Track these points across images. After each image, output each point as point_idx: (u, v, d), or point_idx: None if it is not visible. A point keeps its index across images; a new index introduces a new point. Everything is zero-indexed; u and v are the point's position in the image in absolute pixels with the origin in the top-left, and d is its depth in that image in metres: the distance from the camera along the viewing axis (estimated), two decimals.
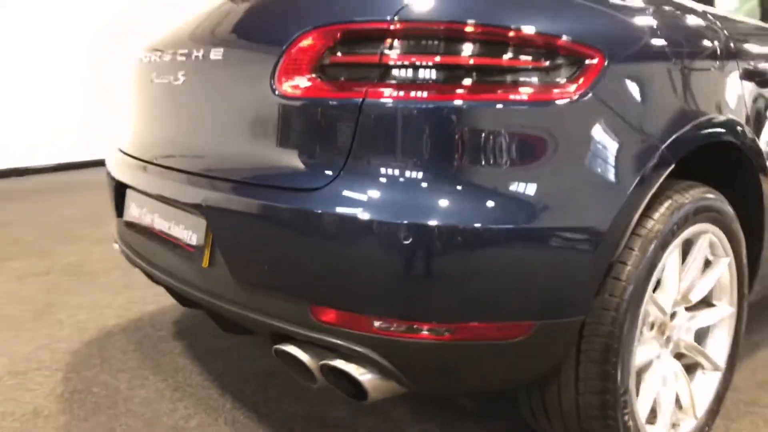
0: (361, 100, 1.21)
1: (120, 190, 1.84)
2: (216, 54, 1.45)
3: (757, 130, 1.70)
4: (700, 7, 1.62)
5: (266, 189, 1.32)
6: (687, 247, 1.59)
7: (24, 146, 5.65)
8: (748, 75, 1.65)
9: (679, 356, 1.69)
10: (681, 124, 1.38)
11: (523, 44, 1.21)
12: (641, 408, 1.51)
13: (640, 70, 1.34)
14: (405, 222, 1.17)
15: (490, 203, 1.20)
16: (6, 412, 1.85)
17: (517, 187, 1.21)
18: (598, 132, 1.27)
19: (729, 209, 1.62)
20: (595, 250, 1.26)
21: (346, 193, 1.22)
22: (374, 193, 1.20)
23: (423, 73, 1.19)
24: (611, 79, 1.28)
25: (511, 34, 1.20)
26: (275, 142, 1.34)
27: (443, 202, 1.19)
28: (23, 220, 4.21)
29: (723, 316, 1.75)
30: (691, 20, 1.54)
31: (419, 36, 1.19)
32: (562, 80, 1.23)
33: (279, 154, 1.32)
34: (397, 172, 1.20)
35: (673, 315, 1.64)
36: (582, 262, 1.26)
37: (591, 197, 1.26)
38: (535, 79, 1.22)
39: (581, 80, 1.24)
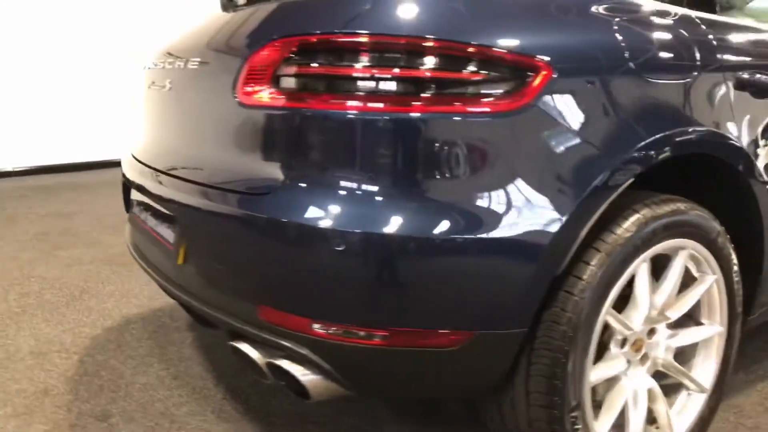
0: (305, 110, 1.25)
1: (127, 187, 1.97)
2: (193, 63, 1.54)
3: (755, 145, 1.62)
4: (684, 15, 1.55)
5: (224, 192, 1.38)
6: (666, 262, 1.54)
7: (97, 141, 5.98)
8: (741, 85, 1.57)
9: (661, 375, 1.64)
10: (641, 138, 1.34)
11: (469, 57, 1.21)
12: (601, 425, 1.48)
13: (593, 83, 1.31)
14: (338, 229, 1.20)
15: (426, 212, 1.22)
16: (20, 389, 2.01)
17: (454, 197, 1.22)
18: (543, 144, 1.26)
19: (713, 225, 1.55)
20: (536, 262, 1.25)
21: (288, 199, 1.27)
22: (313, 201, 1.24)
23: (365, 85, 1.22)
24: (560, 91, 1.26)
25: (458, 47, 1.21)
26: (235, 148, 1.40)
27: (378, 211, 1.21)
28: (85, 212, 4.49)
29: (710, 335, 1.68)
30: (664, 30, 1.48)
31: (363, 49, 1.22)
32: (506, 92, 1.23)
33: (238, 159, 1.39)
34: (336, 181, 1.24)
35: (651, 332, 1.59)
36: (521, 274, 1.26)
37: (531, 210, 1.25)
38: (479, 91, 1.22)
39: (526, 92, 1.23)
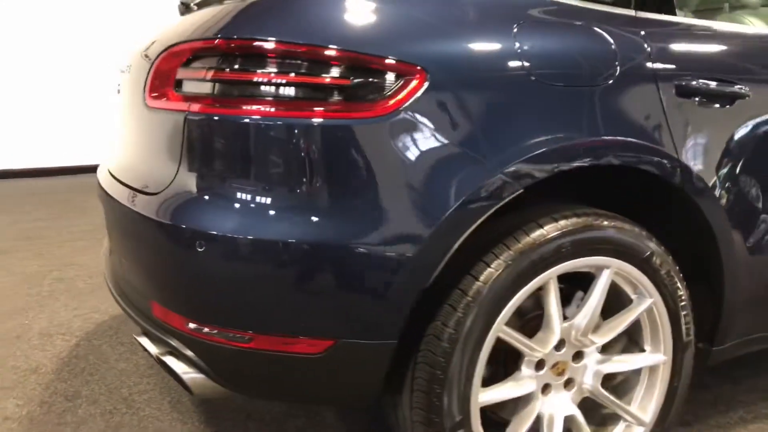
0: (186, 113, 1.29)
1: None
2: (129, 68, 1.63)
3: (702, 161, 1.47)
4: (603, 15, 1.43)
5: (133, 192, 1.45)
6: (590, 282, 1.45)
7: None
8: (683, 93, 1.43)
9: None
10: (529, 149, 1.26)
11: (337, 62, 1.20)
12: None
13: (472, 91, 1.25)
14: (199, 230, 1.23)
15: (286, 217, 1.22)
16: (15, 366, 2.21)
17: (316, 202, 1.21)
18: (414, 152, 1.22)
19: (643, 244, 1.43)
20: (399, 274, 1.22)
21: (169, 200, 1.31)
22: (185, 202, 1.28)
23: (233, 89, 1.24)
24: (436, 98, 1.22)
25: (326, 52, 1.20)
26: (144, 149, 1.47)
27: (239, 214, 1.23)
28: None
29: (651, 364, 1.55)
30: (565, 33, 1.38)
31: (234, 54, 1.24)
32: (379, 98, 1.20)
33: (145, 160, 1.46)
34: (205, 184, 1.27)
35: (578, 355, 1.50)
36: (384, 284, 1.23)
37: (396, 219, 1.21)
38: (348, 97, 1.20)
39: (398, 99, 1.20)
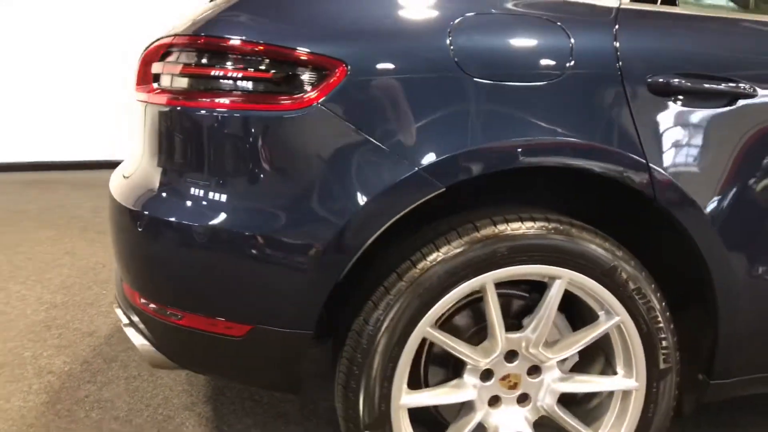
0: (145, 105, 1.40)
1: None
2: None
3: (679, 167, 1.32)
4: (581, 10, 1.32)
5: (123, 177, 1.59)
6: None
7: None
8: (658, 91, 1.29)
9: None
10: (453, 147, 1.21)
11: (260, 56, 1.24)
12: None
13: (399, 86, 1.21)
14: (139, 211, 1.33)
15: (203, 203, 1.27)
16: (78, 328, 2.48)
17: (234, 191, 1.26)
18: (330, 145, 1.22)
19: (602, 255, 1.31)
20: (310, 266, 1.23)
21: (133, 182, 1.43)
22: (138, 185, 1.39)
23: (176, 82, 1.32)
24: (357, 93, 1.21)
25: (248, 47, 1.23)
26: (136, 138, 1.61)
27: (166, 197, 1.31)
28: None
29: (618, 389, 1.42)
30: (518, 31, 1.29)
31: (181, 50, 1.32)
32: (296, 91, 1.22)
33: (134, 147, 1.59)
34: (148, 168, 1.37)
35: (535, 370, 1.41)
36: (296, 276, 1.24)
37: (309, 212, 1.22)
38: (269, 90, 1.23)
39: (317, 92, 1.22)
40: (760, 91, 1.32)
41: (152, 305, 1.38)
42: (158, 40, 1.45)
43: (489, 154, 1.23)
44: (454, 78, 1.22)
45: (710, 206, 1.33)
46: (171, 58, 1.33)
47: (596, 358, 1.51)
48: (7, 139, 5.82)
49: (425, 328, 1.29)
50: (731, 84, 1.31)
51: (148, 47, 1.50)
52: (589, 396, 1.54)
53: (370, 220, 1.22)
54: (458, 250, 1.27)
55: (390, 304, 1.27)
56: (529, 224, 1.29)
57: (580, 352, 1.51)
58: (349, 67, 1.21)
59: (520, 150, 1.23)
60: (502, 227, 1.28)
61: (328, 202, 1.23)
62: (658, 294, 1.37)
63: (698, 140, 1.32)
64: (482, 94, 1.23)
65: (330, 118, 1.21)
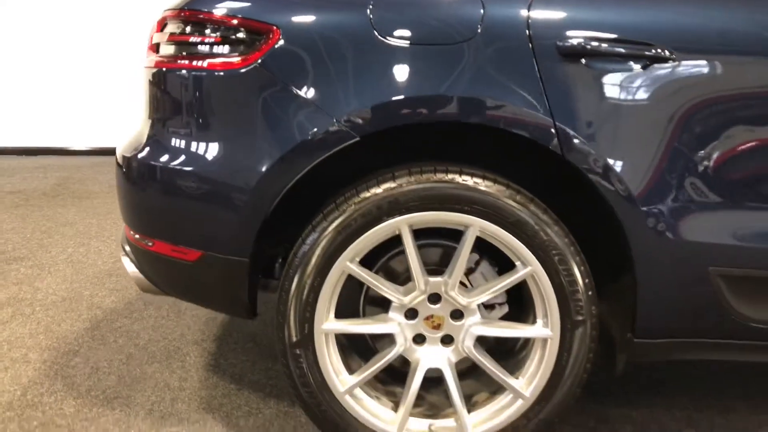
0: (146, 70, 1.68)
1: None
2: None
3: (586, 123, 1.39)
4: None
5: None
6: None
7: None
8: (565, 53, 1.36)
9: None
10: (367, 100, 1.37)
11: (209, 23, 1.47)
12: (341, 371, 1.55)
13: (324, 47, 1.39)
14: (123, 155, 1.62)
15: (173, 147, 1.52)
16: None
17: (183, 135, 1.51)
18: (265, 99, 1.43)
19: (511, 207, 1.41)
20: (242, 201, 1.44)
21: (132, 135, 1.71)
22: (134, 136, 1.67)
23: (163, 49, 1.59)
24: (286, 53, 1.41)
25: (200, 15, 1.47)
26: None
27: (152, 145, 1.57)
28: None
29: (531, 336, 1.51)
30: None
31: (169, 21, 1.58)
32: (239, 52, 1.44)
33: None
34: (143, 122, 1.65)
35: (458, 314, 1.54)
36: (232, 208, 1.46)
37: (243, 154, 1.44)
38: (217, 52, 1.46)
39: (254, 53, 1.43)
40: (675, 56, 1.36)
41: (136, 235, 1.66)
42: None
43: (396, 108, 1.38)
44: (370, 39, 1.39)
45: (620, 165, 1.39)
46: (166, 29, 1.60)
47: (530, 312, 1.59)
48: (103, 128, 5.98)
49: (345, 262, 1.46)
50: (643, 48, 1.37)
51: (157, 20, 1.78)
52: (520, 348, 1.63)
53: (292, 164, 1.42)
54: (375, 196, 1.42)
55: (315, 240, 1.45)
56: (440, 175, 1.42)
57: (516, 307, 1.63)
58: (281, 30, 1.41)
59: (426, 104, 1.37)
60: (416, 177, 1.42)
61: (259, 148, 1.44)
62: (572, 248, 1.44)
63: (605, 101, 1.38)
64: (394, 55, 1.39)
65: (266, 74, 1.42)
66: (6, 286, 2.72)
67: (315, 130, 1.40)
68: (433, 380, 1.68)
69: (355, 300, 1.66)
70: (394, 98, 1.38)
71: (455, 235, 1.50)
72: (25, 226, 3.62)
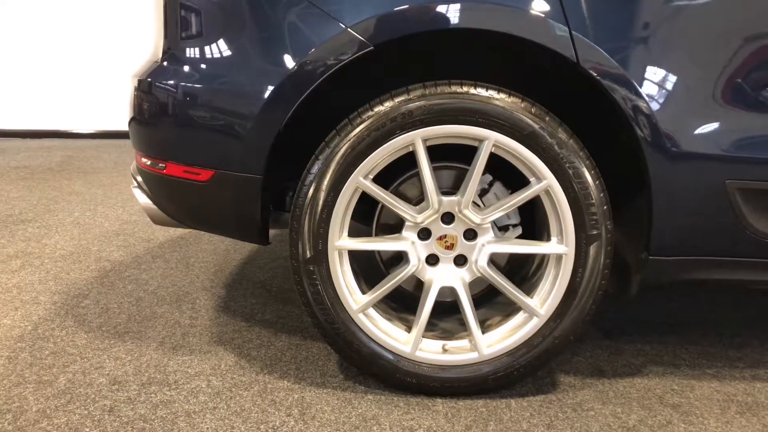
0: None
1: None
2: None
3: (607, 36, 1.38)
4: None
5: None
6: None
7: None
8: None
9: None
10: (378, 9, 1.36)
11: None
12: (353, 285, 1.54)
13: None
14: (138, 78, 1.61)
15: (172, 65, 1.54)
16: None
17: (194, 55, 1.50)
18: (275, 8, 1.43)
19: (526, 119, 1.40)
20: (256, 115, 1.43)
21: (145, 60, 1.71)
22: (147, 61, 1.67)
23: None
24: None
25: None
26: None
27: (161, 67, 1.57)
28: None
29: (548, 252, 1.50)
30: None
31: None
32: None
33: None
34: (154, 47, 1.64)
35: (472, 234, 1.53)
36: (245, 124, 1.45)
37: (256, 65, 1.44)
38: None
39: None
40: None
41: (147, 160, 1.65)
42: None
43: (409, 16, 1.37)
44: None
45: (635, 72, 1.37)
46: None
47: (543, 234, 1.58)
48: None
49: (358, 178, 1.45)
50: None
51: None
52: (532, 273, 1.63)
53: (306, 75, 1.40)
54: (386, 111, 1.42)
55: (328, 156, 1.45)
56: (454, 88, 1.41)
57: (530, 228, 1.62)
58: None
59: (439, 11, 1.36)
60: (430, 91, 1.41)
61: (274, 55, 1.43)
62: (587, 162, 1.44)
63: (620, 7, 1.38)
64: None
65: None
66: (14, 242, 2.71)
67: (326, 38, 1.39)
68: (446, 309, 1.68)
69: (367, 230, 1.67)
70: (406, 5, 1.37)
71: (468, 158, 1.49)
72: (32, 195, 3.62)
